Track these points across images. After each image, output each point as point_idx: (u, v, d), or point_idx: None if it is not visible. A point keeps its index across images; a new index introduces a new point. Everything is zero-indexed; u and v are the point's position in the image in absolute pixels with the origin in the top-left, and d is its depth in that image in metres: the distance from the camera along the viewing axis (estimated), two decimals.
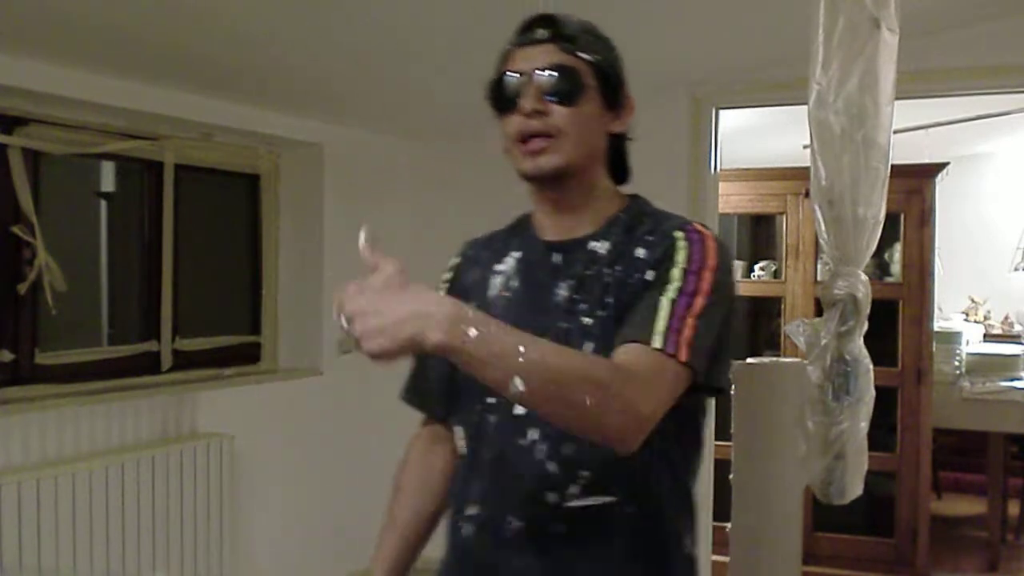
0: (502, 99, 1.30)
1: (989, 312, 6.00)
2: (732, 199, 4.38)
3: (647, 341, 1.13)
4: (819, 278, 4.24)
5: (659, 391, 1.12)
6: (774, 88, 3.36)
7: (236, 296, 3.79)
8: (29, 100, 2.79)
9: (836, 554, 4.28)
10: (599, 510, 1.22)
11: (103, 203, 3.30)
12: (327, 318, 3.85)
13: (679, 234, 1.25)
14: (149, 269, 3.30)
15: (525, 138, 1.27)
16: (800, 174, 3.57)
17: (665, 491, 1.26)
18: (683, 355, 1.13)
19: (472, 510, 1.30)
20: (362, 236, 1.10)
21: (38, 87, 2.71)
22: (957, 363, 4.54)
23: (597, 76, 1.28)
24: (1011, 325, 5.91)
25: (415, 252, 4.38)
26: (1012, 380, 4.46)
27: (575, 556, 1.23)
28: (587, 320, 1.25)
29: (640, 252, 1.26)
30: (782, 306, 4.47)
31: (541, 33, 1.29)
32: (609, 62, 1.31)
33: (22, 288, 2.83)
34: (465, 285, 1.42)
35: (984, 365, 4.56)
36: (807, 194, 2.85)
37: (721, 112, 3.63)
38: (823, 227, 2.01)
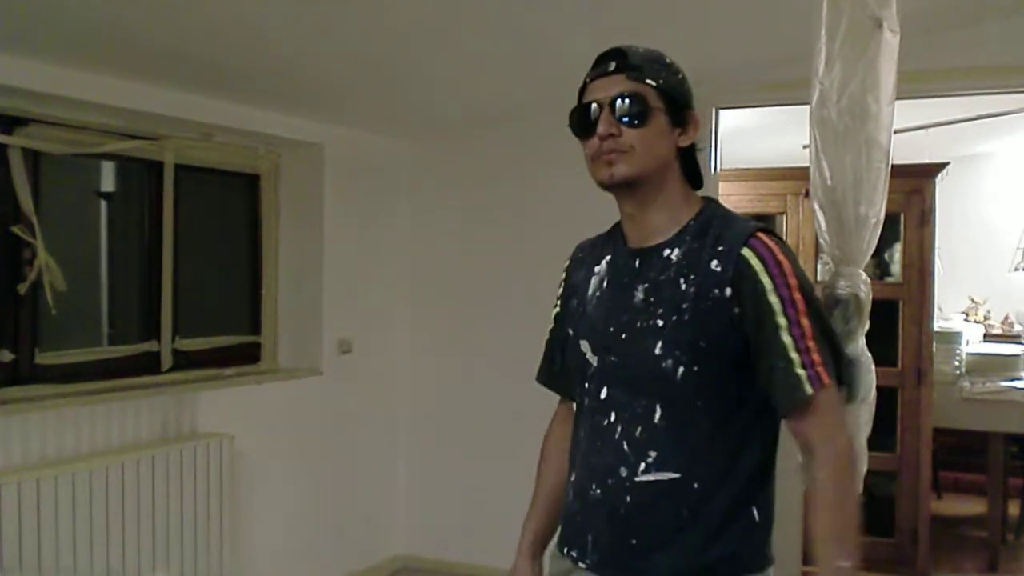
0: (582, 125, 1.48)
1: (989, 312, 6.00)
2: (732, 199, 4.37)
3: (802, 394, 1.38)
4: (819, 278, 4.24)
5: (835, 417, 1.43)
6: (774, 88, 3.36)
7: (236, 296, 3.79)
8: (29, 100, 2.79)
9: None
10: (665, 484, 1.41)
11: (103, 203, 3.30)
12: (327, 318, 3.86)
13: (748, 253, 1.41)
14: (149, 269, 3.30)
15: (602, 155, 1.45)
16: (800, 174, 3.57)
17: (725, 468, 1.42)
18: (826, 379, 1.39)
19: (572, 476, 1.55)
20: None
21: (38, 87, 2.70)
22: (957, 363, 4.54)
23: (662, 98, 1.47)
24: (1011, 325, 5.91)
25: (415, 251, 4.42)
26: (1012, 380, 4.46)
27: (641, 522, 1.43)
28: (660, 322, 1.43)
29: (713, 264, 1.43)
30: None
31: (612, 66, 1.48)
32: (672, 85, 1.49)
33: (22, 288, 2.83)
34: (575, 283, 1.64)
35: (984, 365, 4.56)
36: (807, 194, 2.85)
37: (721, 112, 3.63)
38: (823, 227, 2.00)
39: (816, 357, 1.38)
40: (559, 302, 1.69)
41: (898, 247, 4.28)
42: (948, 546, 4.58)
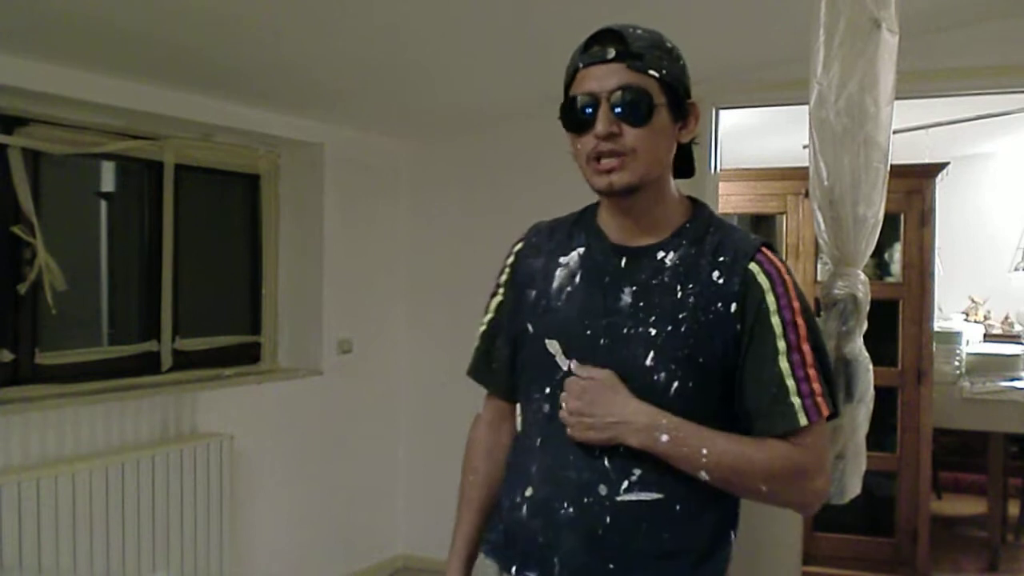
0: (575, 120, 1.33)
1: (989, 312, 6.00)
2: (732, 199, 4.37)
3: (794, 423, 1.28)
4: (819, 278, 4.24)
5: (823, 455, 1.32)
6: (774, 88, 3.36)
7: (236, 296, 3.79)
8: (29, 100, 2.79)
9: (836, 554, 4.28)
10: (648, 505, 1.31)
11: (103, 203, 3.30)
12: (327, 318, 3.86)
13: (755, 269, 1.32)
14: (149, 269, 3.30)
15: (599, 158, 1.32)
16: (800, 174, 3.57)
17: (711, 490, 1.31)
18: (824, 410, 1.30)
19: (528, 491, 1.39)
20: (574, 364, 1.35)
21: (38, 87, 2.71)
22: (957, 363, 4.54)
23: (666, 92, 1.33)
24: (1011, 325, 5.91)
25: (415, 251, 4.42)
26: (1012, 380, 4.45)
27: (620, 545, 1.31)
28: (652, 331, 1.32)
29: (716, 275, 1.32)
30: None
31: (610, 52, 1.32)
32: (676, 75, 1.35)
33: (22, 288, 2.84)
34: (529, 271, 1.48)
35: (984, 365, 4.56)
36: (807, 194, 2.85)
37: (721, 112, 3.63)
38: (823, 227, 2.01)
39: (816, 387, 1.29)
40: (502, 290, 1.53)
41: (898, 247, 4.28)
42: (948, 546, 4.58)
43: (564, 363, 1.37)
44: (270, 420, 3.60)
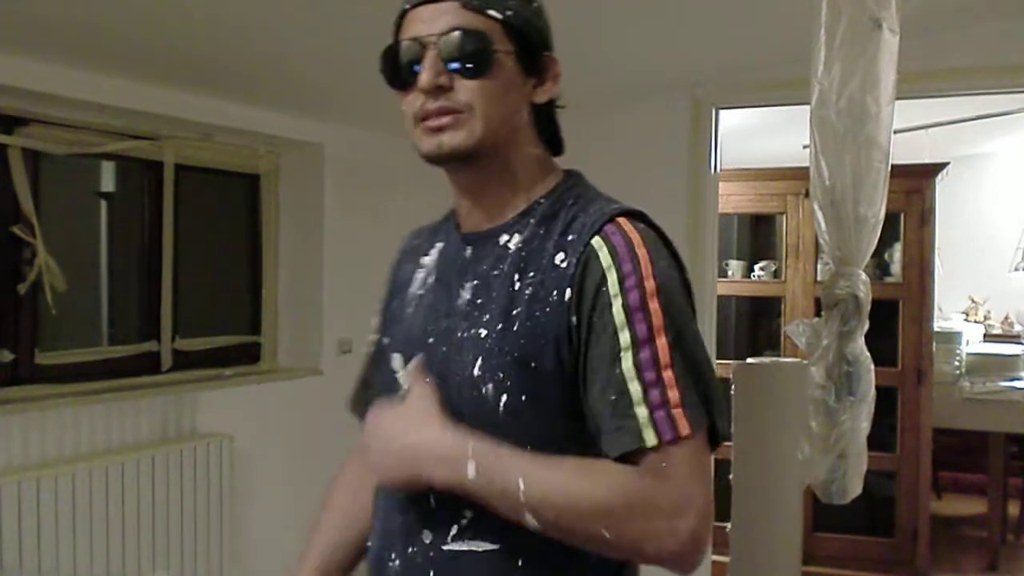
0: (397, 73, 1.09)
1: (989, 312, 6.00)
2: (732, 199, 4.38)
3: (637, 441, 0.95)
4: (819, 278, 4.25)
5: (689, 486, 0.94)
6: (774, 88, 3.36)
7: (236, 296, 3.79)
8: (29, 100, 2.79)
9: (836, 554, 4.28)
10: (480, 558, 1.03)
11: (103, 203, 3.30)
12: (327, 318, 3.85)
13: (598, 243, 1.02)
14: (149, 269, 3.30)
15: (427, 117, 1.07)
16: (800, 174, 3.58)
17: (562, 546, 0.99)
18: (684, 429, 0.95)
19: (371, 542, 1.18)
20: (412, 365, 1.11)
21: (38, 87, 2.70)
22: (957, 363, 4.55)
23: (512, 38, 1.07)
24: (1011, 325, 5.91)
25: None
26: (1012, 380, 4.46)
27: None
28: (483, 331, 1.05)
29: (558, 258, 1.04)
30: (782, 306, 4.48)
31: None
32: (525, 18, 1.08)
33: (22, 288, 2.83)
34: (399, 280, 1.27)
35: (984, 365, 4.56)
36: (807, 194, 2.85)
37: (721, 112, 3.63)
38: (823, 227, 2.01)
39: (673, 393, 0.95)
40: (381, 308, 1.29)
41: (898, 247, 4.28)
42: (948, 546, 4.59)
43: (404, 380, 1.12)
44: (270, 420, 3.60)
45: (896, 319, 4.19)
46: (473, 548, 1.03)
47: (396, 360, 1.16)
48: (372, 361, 1.27)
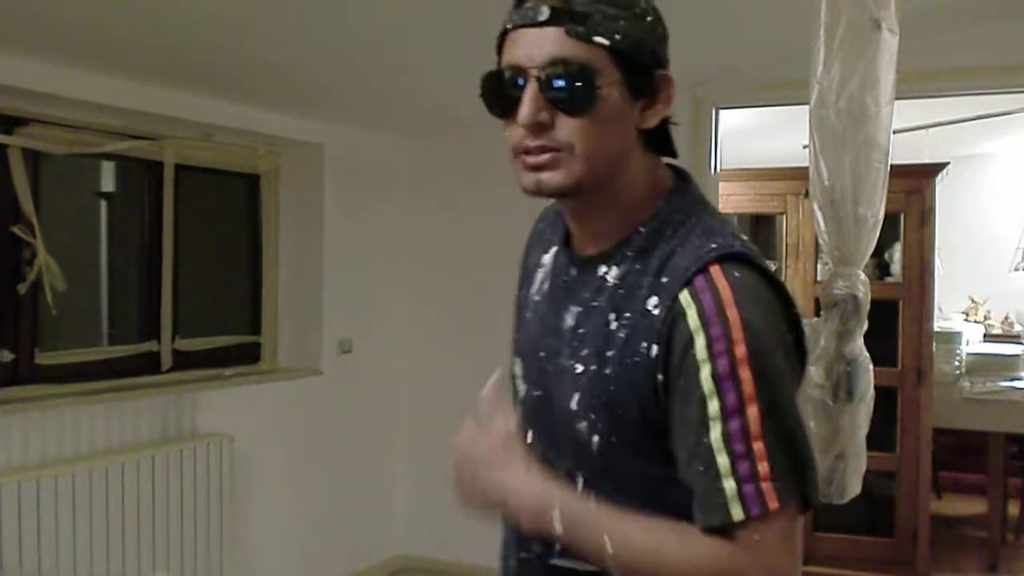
0: (498, 101, 1.04)
1: (989, 312, 6.00)
2: (732, 199, 4.38)
3: (725, 516, 0.93)
4: (819, 278, 4.24)
5: (775, 561, 0.94)
6: (774, 88, 3.36)
7: (236, 296, 3.79)
8: (29, 100, 2.79)
9: (836, 554, 4.28)
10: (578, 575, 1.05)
11: (103, 203, 3.30)
12: (327, 318, 3.86)
13: (685, 298, 0.96)
14: (149, 269, 3.30)
15: (526, 153, 1.02)
16: (800, 174, 3.57)
17: None
18: (772, 503, 0.92)
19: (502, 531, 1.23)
20: (493, 377, 1.11)
21: (38, 87, 2.70)
22: (957, 363, 4.54)
23: (620, 64, 0.98)
24: (1011, 325, 5.91)
25: (415, 251, 4.42)
26: (1012, 380, 4.46)
27: None
28: (579, 367, 1.04)
29: (651, 303, 0.99)
30: None
31: (543, 11, 0.98)
32: (636, 39, 0.99)
33: (22, 288, 2.83)
34: (527, 268, 1.23)
35: (984, 365, 4.56)
36: (807, 194, 2.85)
37: (721, 112, 3.63)
38: (823, 227, 2.01)
39: (762, 467, 0.92)
40: (516, 296, 1.26)
41: (898, 247, 4.28)
42: (948, 546, 4.58)
43: (522, 387, 1.14)
44: (270, 420, 3.60)
45: (896, 319, 4.19)
46: (576, 567, 1.04)
47: (517, 365, 1.18)
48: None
